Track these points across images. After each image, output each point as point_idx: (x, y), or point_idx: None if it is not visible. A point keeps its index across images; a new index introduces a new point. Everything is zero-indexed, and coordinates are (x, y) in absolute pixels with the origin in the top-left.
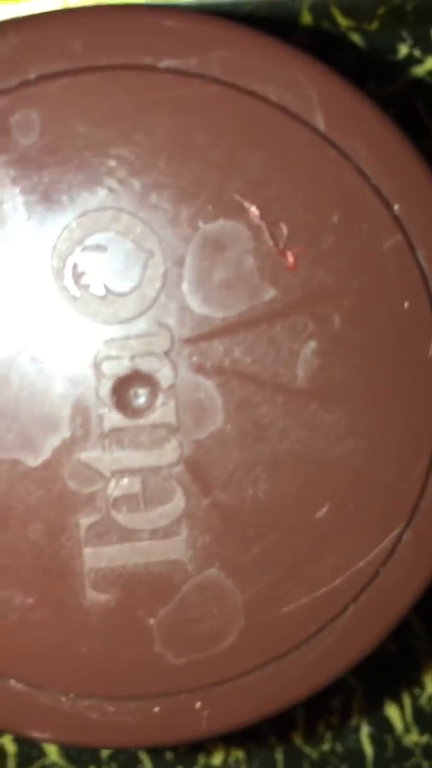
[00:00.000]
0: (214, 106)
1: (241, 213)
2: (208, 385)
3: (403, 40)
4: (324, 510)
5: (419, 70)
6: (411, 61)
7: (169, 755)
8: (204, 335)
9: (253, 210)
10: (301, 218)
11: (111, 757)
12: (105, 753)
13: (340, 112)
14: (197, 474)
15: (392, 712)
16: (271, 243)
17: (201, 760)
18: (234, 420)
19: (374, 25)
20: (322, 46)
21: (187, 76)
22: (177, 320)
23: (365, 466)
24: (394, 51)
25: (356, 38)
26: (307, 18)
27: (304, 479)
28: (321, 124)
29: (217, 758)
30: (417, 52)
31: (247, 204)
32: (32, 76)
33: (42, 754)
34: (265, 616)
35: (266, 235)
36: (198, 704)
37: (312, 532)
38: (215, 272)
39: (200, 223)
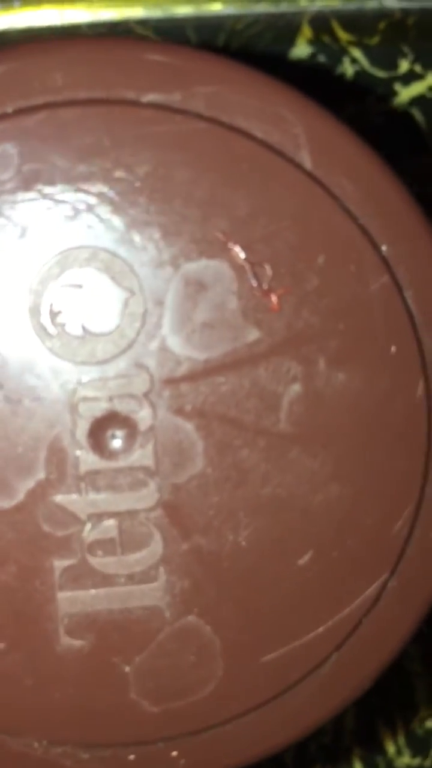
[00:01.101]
0: (198, 142)
1: (225, 252)
2: (188, 427)
3: (404, 55)
4: (306, 557)
5: (420, 86)
6: (412, 76)
7: None
8: (184, 377)
9: (237, 250)
10: (286, 258)
11: None
12: None
13: (327, 150)
14: (176, 518)
15: (385, 734)
16: (254, 283)
17: None
18: (214, 464)
19: (375, 40)
20: (321, 60)
21: (170, 111)
22: (157, 361)
23: (349, 512)
24: (395, 66)
25: (356, 53)
26: (307, 32)
27: (286, 525)
28: (307, 162)
29: None
30: (418, 68)
31: (230, 243)
32: (10, 109)
33: None
34: (244, 664)
35: (250, 276)
36: (174, 753)
37: (294, 579)
38: (197, 313)
39: (182, 263)
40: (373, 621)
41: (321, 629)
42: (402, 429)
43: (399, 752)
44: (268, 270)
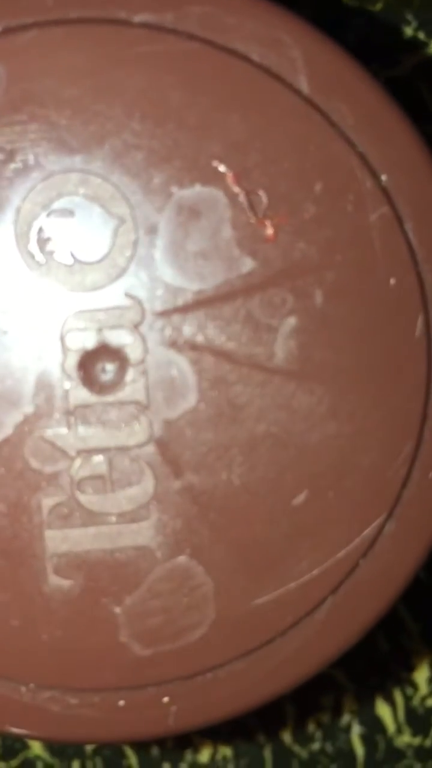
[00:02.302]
0: (192, 64)
1: (219, 179)
2: (181, 361)
3: (407, 22)
4: (302, 497)
5: (424, 53)
6: (415, 43)
7: (155, 751)
8: (177, 308)
9: (231, 176)
10: (282, 186)
11: (96, 752)
12: (90, 747)
13: (326, 75)
14: (168, 455)
15: (384, 712)
16: (249, 212)
17: (188, 756)
18: (208, 399)
19: (379, 6)
20: (324, 26)
21: (162, 31)
22: (148, 292)
23: (347, 451)
24: (399, 33)
25: (360, 19)
26: None
27: (281, 464)
28: (305, 87)
29: (205, 755)
30: (422, 35)
31: (224, 169)
32: None
33: (25, 746)
34: (237, 607)
35: (245, 204)
36: (165, 699)
37: (289, 519)
38: (190, 242)
39: (175, 189)
40: (370, 564)
41: (316, 572)
42: (401, 366)
43: (399, 730)
44: (264, 198)
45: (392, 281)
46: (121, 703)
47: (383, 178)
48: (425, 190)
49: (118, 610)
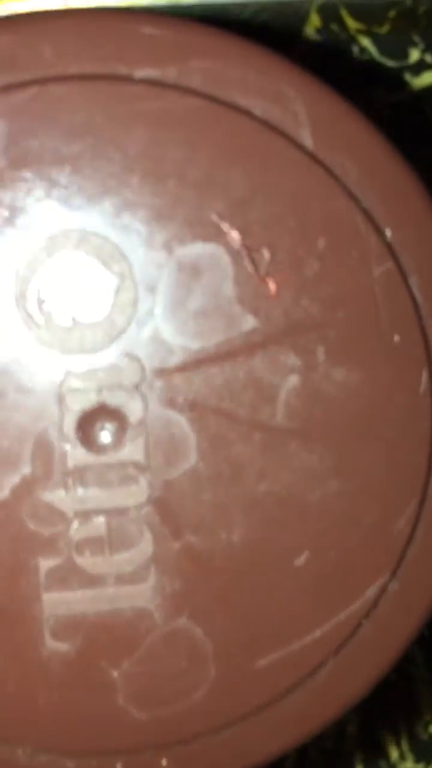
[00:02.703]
0: (194, 120)
1: (220, 236)
2: (181, 420)
3: (414, 44)
4: (303, 557)
5: (430, 76)
6: (422, 66)
7: None
8: (177, 367)
9: (233, 233)
10: (285, 242)
11: None
12: None
13: (330, 129)
14: (167, 516)
15: (388, 738)
16: (251, 269)
17: None
18: (208, 459)
19: (385, 29)
20: (330, 49)
21: (164, 87)
22: (148, 351)
23: (349, 510)
24: (405, 55)
25: (366, 42)
26: (315, 20)
27: (282, 523)
28: (308, 141)
29: None
30: (429, 57)
31: (226, 226)
32: None
33: None
34: (237, 669)
35: (246, 261)
36: (164, 762)
37: (290, 580)
38: (191, 299)
39: (176, 246)
40: (372, 625)
41: (317, 633)
42: (405, 422)
43: (402, 757)
44: (266, 254)
45: (396, 337)
46: (119, 766)
47: (387, 233)
48: (430, 244)
49: (116, 673)
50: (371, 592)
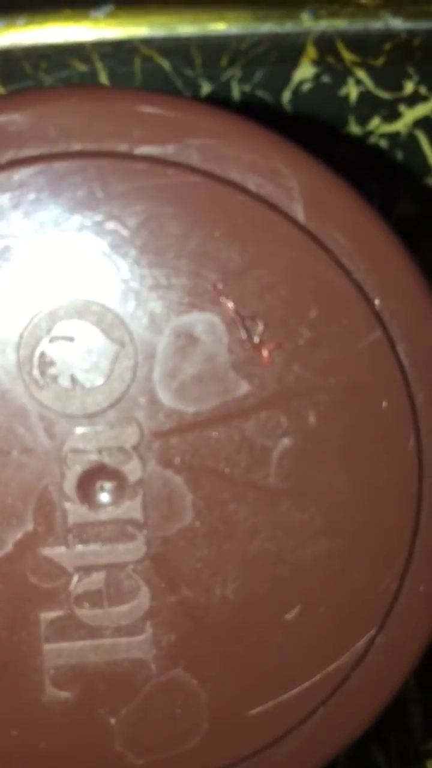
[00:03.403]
0: (191, 195)
1: (216, 306)
2: (177, 480)
3: (409, 76)
4: (294, 612)
5: (424, 108)
6: (417, 98)
7: None
8: (174, 430)
9: (229, 303)
10: (278, 312)
11: None
12: None
13: (322, 204)
14: (163, 571)
15: (379, 758)
16: (245, 337)
17: None
18: (203, 517)
19: (380, 61)
20: (326, 81)
21: (163, 164)
22: (147, 414)
23: (338, 567)
24: (400, 87)
25: (361, 74)
26: (311, 52)
27: (274, 579)
28: (301, 216)
29: None
30: (423, 89)
31: (222, 297)
32: (3, 160)
33: None
34: (230, 717)
35: (241, 329)
36: None
37: (281, 633)
38: (187, 365)
39: (173, 316)
40: (361, 676)
41: (308, 684)
42: (392, 484)
43: None
44: (260, 323)
45: (384, 403)
46: None
47: (377, 302)
48: (417, 313)
49: (113, 720)
50: (360, 644)
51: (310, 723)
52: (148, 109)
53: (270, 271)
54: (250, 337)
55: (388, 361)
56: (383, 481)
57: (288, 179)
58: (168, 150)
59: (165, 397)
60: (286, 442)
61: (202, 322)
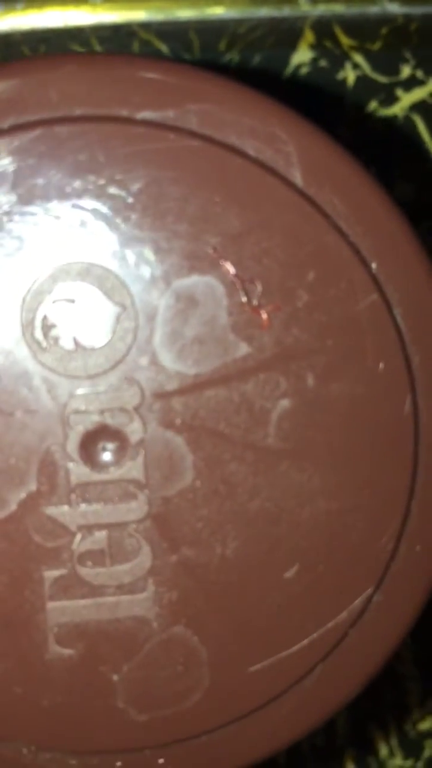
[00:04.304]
0: (191, 159)
1: (216, 269)
2: (178, 441)
3: (405, 60)
4: (293, 570)
5: (421, 92)
6: (413, 82)
7: None
8: (175, 391)
9: (228, 266)
10: (276, 275)
11: None
12: None
13: (319, 168)
14: (165, 530)
15: (377, 736)
16: (245, 300)
17: None
18: (203, 477)
19: (377, 45)
20: (323, 65)
21: (163, 128)
22: (148, 375)
23: (336, 526)
24: (397, 71)
25: (359, 58)
26: (309, 36)
27: (273, 538)
28: (298, 180)
29: None
30: (419, 73)
31: (221, 260)
32: (5, 125)
33: None
34: (231, 674)
35: (240, 292)
36: (161, 761)
37: (280, 591)
38: (188, 328)
39: (173, 278)
40: (358, 634)
41: (306, 641)
42: (389, 445)
43: (391, 754)
44: (259, 286)
45: (381, 365)
46: (119, 764)
47: (373, 266)
48: (413, 277)
49: (116, 677)
50: (357, 603)
51: (309, 680)
52: (149, 75)
53: (268, 234)
54: (249, 299)
55: (385, 323)
56: (380, 442)
57: (286, 144)
58: (168, 115)
59: (166, 359)
60: (284, 403)
61: (202, 284)
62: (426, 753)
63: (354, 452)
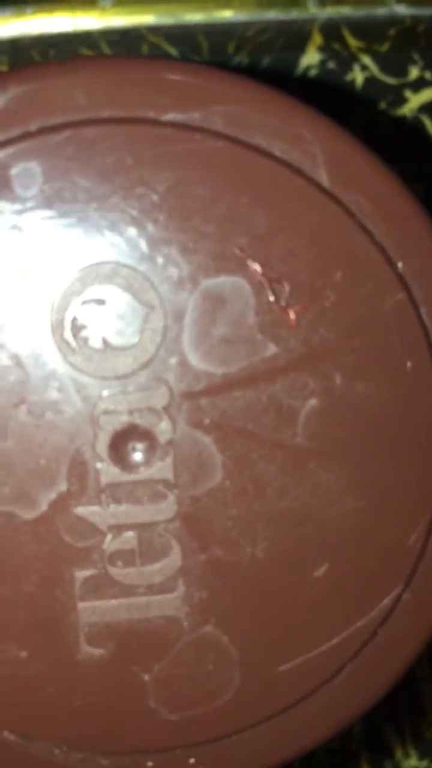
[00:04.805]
0: (217, 160)
1: (243, 269)
2: (207, 441)
3: (414, 62)
4: (322, 569)
5: (429, 93)
6: (421, 83)
7: None
8: (203, 391)
9: (255, 266)
10: (304, 275)
11: None
12: None
13: (344, 169)
14: (194, 530)
15: (392, 737)
16: (272, 299)
17: None
18: (232, 476)
19: (385, 47)
20: (332, 67)
21: (189, 130)
22: (176, 375)
23: (364, 525)
24: (405, 73)
25: (367, 60)
26: (317, 38)
27: (302, 537)
28: (325, 180)
29: None
30: (428, 75)
31: (248, 260)
32: (33, 128)
33: None
34: (261, 674)
35: (268, 292)
36: (192, 760)
37: (310, 591)
38: (215, 328)
39: (201, 279)
40: (387, 633)
41: (335, 640)
42: (417, 443)
43: (406, 755)
44: (286, 286)
45: (408, 364)
46: (150, 764)
47: (399, 265)
48: None
49: (147, 677)
50: (386, 602)
51: (338, 679)
52: (174, 77)
53: (295, 234)
54: (277, 299)
55: (412, 322)
56: (408, 440)
57: (312, 145)
58: (194, 116)
59: (194, 359)
60: (312, 402)
61: (230, 285)
62: None
63: (382, 451)
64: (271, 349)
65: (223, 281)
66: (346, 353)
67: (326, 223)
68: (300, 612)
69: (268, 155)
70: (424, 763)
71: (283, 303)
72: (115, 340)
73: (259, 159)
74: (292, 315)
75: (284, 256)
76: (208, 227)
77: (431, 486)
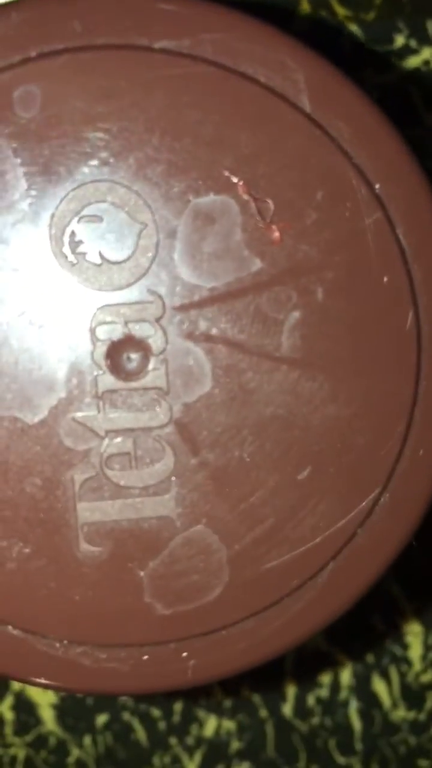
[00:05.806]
0: (206, 85)
1: (230, 188)
2: (197, 351)
3: (399, 30)
4: (306, 472)
5: (415, 60)
6: (407, 51)
7: (162, 726)
8: (193, 304)
9: (242, 185)
10: (287, 194)
11: (106, 727)
12: (100, 721)
13: (325, 95)
14: (186, 435)
15: (380, 688)
16: (258, 217)
17: (193, 731)
18: (221, 385)
19: (371, 15)
20: (319, 34)
21: (180, 56)
22: (168, 289)
23: (345, 431)
24: (391, 41)
25: (353, 27)
26: (305, 6)
27: (287, 442)
28: (307, 106)
29: (210, 729)
30: (413, 43)
31: (235, 179)
32: (33, 53)
33: (38, 722)
34: (248, 571)
35: (253, 210)
36: (185, 654)
37: (294, 492)
38: (205, 244)
39: (191, 197)
40: (367, 533)
41: (318, 539)
42: (393, 355)
43: (395, 705)
44: (271, 205)
45: (385, 279)
46: (145, 657)
47: (377, 186)
48: (414, 197)
49: (142, 573)
50: (365, 503)
51: (322, 576)
52: (166, 7)
53: (279, 156)
54: (262, 217)
55: (389, 240)
56: (385, 352)
57: (294, 72)
58: (184, 44)
59: (184, 273)
60: (296, 315)
61: (219, 203)
62: (428, 704)
63: (361, 362)
64: (257, 264)
65: (212, 200)
66: (327, 268)
67: (308, 146)
68: (284, 512)
69: (254, 81)
70: (412, 713)
71: (267, 220)
72: (111, 255)
73: (246, 85)
74: (276, 232)
75: (269, 177)
76: (198, 148)
77: (407, 395)
